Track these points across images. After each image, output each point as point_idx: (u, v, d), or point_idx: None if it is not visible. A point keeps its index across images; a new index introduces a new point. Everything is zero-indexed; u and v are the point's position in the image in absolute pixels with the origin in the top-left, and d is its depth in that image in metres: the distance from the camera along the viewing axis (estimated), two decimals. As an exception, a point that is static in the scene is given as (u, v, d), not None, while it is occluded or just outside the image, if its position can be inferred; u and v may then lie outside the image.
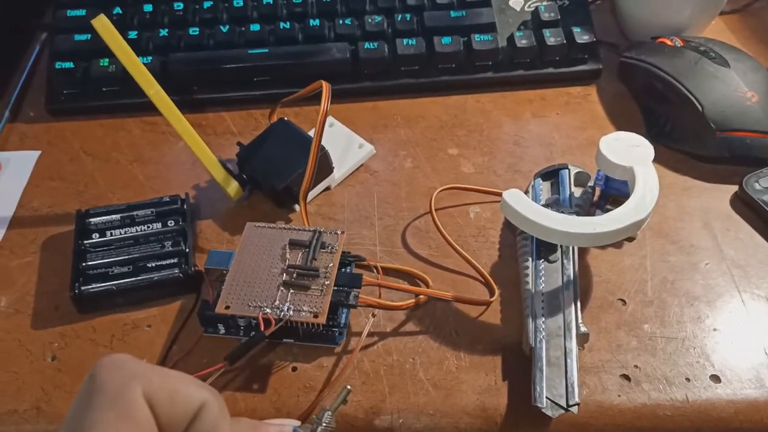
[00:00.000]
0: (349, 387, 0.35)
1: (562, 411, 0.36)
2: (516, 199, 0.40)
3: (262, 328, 0.38)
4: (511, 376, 0.39)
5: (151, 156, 0.53)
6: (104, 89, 0.56)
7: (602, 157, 0.43)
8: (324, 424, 0.34)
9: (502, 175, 0.51)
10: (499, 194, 0.49)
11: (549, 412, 0.36)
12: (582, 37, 0.57)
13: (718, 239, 0.46)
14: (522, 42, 0.56)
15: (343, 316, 0.41)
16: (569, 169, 0.47)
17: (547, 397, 0.36)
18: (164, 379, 0.25)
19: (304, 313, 0.39)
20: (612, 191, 0.45)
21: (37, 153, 0.53)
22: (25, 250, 0.47)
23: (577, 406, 0.36)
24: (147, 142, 0.54)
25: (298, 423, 0.34)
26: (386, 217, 0.48)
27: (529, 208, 0.40)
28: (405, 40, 0.57)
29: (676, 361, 0.40)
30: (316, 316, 0.38)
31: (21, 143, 0.55)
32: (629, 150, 0.42)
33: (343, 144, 0.52)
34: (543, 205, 0.44)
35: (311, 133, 0.47)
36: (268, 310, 0.39)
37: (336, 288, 0.40)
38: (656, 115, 0.54)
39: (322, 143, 0.46)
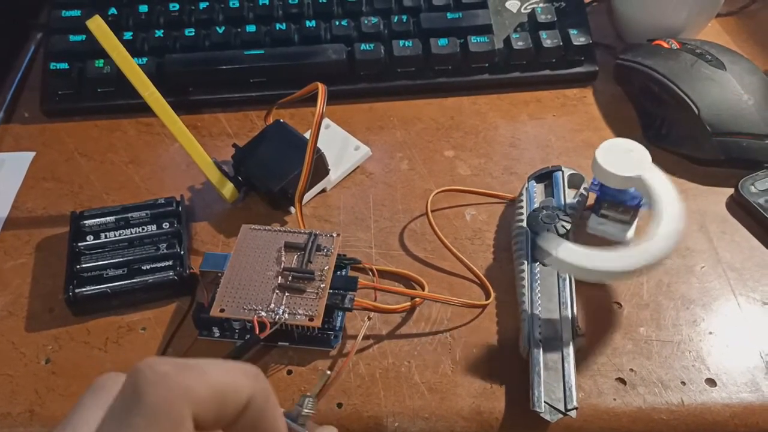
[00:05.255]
0: (328, 372, 0.36)
1: (561, 415, 0.36)
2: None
3: (257, 332, 0.38)
4: (507, 380, 0.39)
5: (147, 157, 0.53)
6: (99, 90, 0.56)
7: (605, 172, 0.41)
8: (306, 411, 0.33)
9: (498, 177, 0.51)
10: (495, 196, 0.49)
11: (548, 417, 0.36)
12: (578, 39, 0.57)
13: (713, 242, 0.46)
14: (518, 44, 0.56)
15: (339, 319, 0.41)
16: (563, 171, 0.47)
17: (545, 402, 0.36)
18: (211, 386, 0.23)
19: (299, 316, 0.38)
20: (607, 197, 0.44)
21: (31, 154, 0.53)
22: (20, 251, 0.47)
23: (575, 410, 0.36)
24: (142, 143, 0.54)
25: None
26: (382, 220, 0.48)
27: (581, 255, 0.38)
28: (401, 42, 0.56)
29: (671, 364, 0.40)
30: (311, 320, 0.38)
31: (16, 144, 0.54)
32: (627, 156, 0.42)
33: (339, 146, 0.52)
34: (537, 208, 0.44)
35: (307, 134, 0.47)
36: (263, 313, 0.39)
37: (331, 291, 0.40)
38: (652, 117, 0.54)
39: (318, 145, 0.46)
